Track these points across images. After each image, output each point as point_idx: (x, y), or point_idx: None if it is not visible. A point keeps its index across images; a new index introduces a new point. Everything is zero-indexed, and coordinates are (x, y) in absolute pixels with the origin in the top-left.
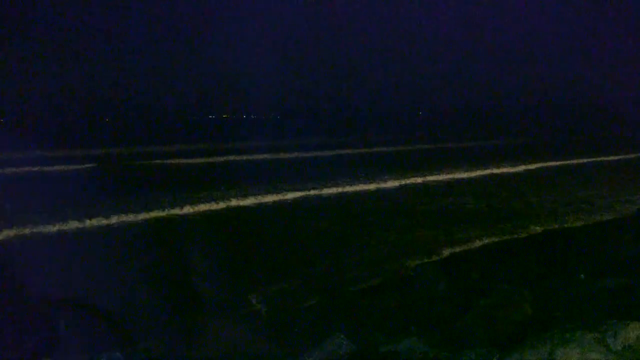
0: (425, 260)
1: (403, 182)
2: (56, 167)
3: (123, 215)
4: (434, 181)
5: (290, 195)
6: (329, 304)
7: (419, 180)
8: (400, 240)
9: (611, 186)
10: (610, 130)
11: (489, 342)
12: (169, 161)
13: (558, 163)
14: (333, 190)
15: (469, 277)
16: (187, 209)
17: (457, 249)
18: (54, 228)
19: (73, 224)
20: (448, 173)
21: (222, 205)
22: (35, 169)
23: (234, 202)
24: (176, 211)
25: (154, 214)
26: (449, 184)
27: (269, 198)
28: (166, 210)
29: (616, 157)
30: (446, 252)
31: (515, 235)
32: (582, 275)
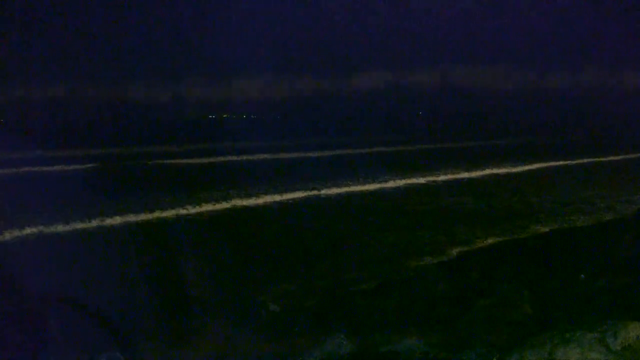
0: (425, 260)
1: (404, 182)
2: (57, 167)
3: (127, 215)
4: (434, 181)
5: (292, 196)
6: (330, 304)
7: (420, 180)
8: (400, 240)
9: (611, 186)
10: (611, 130)
11: (488, 342)
12: (170, 161)
13: (559, 163)
14: (334, 190)
15: (469, 277)
16: (193, 209)
17: (457, 250)
18: (58, 228)
19: (77, 225)
20: (448, 173)
21: (226, 205)
22: (36, 169)
23: (237, 203)
24: (182, 211)
25: (160, 214)
26: (449, 184)
27: (272, 198)
28: (172, 210)
29: (616, 157)
30: (446, 253)
31: (515, 236)
32: (582, 275)
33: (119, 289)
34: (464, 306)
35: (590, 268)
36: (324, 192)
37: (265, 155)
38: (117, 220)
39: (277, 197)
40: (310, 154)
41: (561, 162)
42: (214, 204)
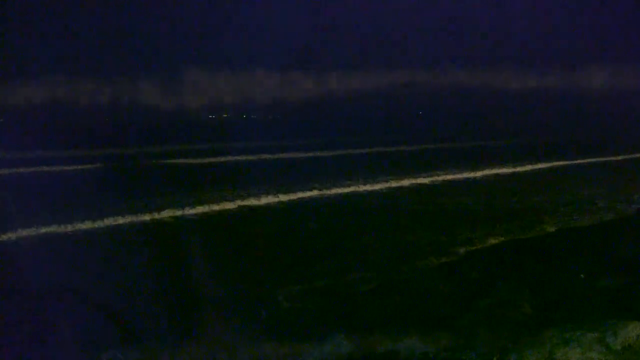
0: (426, 260)
1: (405, 182)
2: (71, 167)
3: (138, 215)
4: (434, 181)
5: (297, 195)
6: (331, 304)
7: (420, 180)
8: (402, 240)
9: (612, 186)
10: (612, 130)
11: (489, 342)
12: (174, 161)
13: (560, 163)
14: (337, 190)
15: (469, 277)
16: (202, 209)
17: (458, 250)
18: (67, 228)
19: (87, 224)
20: (449, 173)
21: (234, 205)
22: (43, 169)
23: (245, 202)
24: (191, 211)
25: (170, 213)
26: (451, 184)
27: (278, 198)
28: (181, 209)
29: (617, 158)
30: (447, 253)
31: (516, 236)
32: (582, 275)
33: (155, 286)
34: (464, 306)
35: (590, 268)
36: (327, 192)
37: (270, 155)
38: (131, 219)
39: (283, 197)
40: (314, 154)
41: (563, 162)
42: (227, 204)
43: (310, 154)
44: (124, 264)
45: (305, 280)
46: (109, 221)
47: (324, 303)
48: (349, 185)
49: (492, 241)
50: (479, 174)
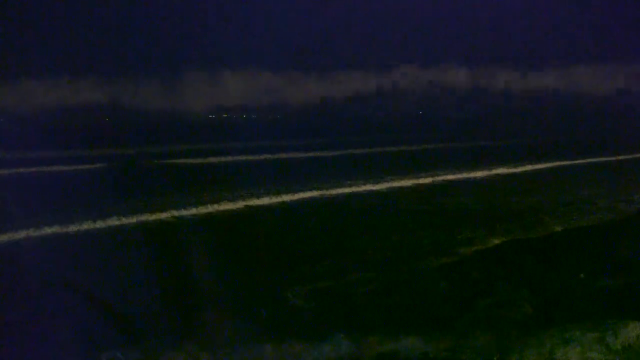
0: (427, 260)
1: (407, 182)
2: (72, 167)
3: (145, 215)
4: (435, 181)
5: (300, 196)
6: (333, 305)
7: (422, 181)
8: (404, 240)
9: (612, 186)
10: (612, 131)
11: (489, 342)
12: (177, 161)
13: (561, 163)
14: (341, 190)
15: (470, 277)
16: (211, 208)
17: (458, 250)
18: (71, 228)
19: (93, 224)
20: (449, 173)
21: (238, 205)
22: (48, 168)
23: (249, 202)
24: (196, 210)
25: (175, 213)
26: (453, 184)
27: (282, 198)
28: (192, 209)
29: (617, 158)
30: (448, 253)
31: (516, 236)
32: (582, 274)
33: (167, 285)
34: (464, 306)
35: (591, 268)
36: (331, 192)
37: (269, 156)
38: (137, 219)
39: (286, 197)
40: (314, 154)
41: (564, 162)
42: (234, 204)
43: (311, 154)
44: (132, 265)
45: (309, 280)
46: (112, 221)
47: (326, 303)
48: (350, 185)
49: (493, 241)
50: (479, 174)
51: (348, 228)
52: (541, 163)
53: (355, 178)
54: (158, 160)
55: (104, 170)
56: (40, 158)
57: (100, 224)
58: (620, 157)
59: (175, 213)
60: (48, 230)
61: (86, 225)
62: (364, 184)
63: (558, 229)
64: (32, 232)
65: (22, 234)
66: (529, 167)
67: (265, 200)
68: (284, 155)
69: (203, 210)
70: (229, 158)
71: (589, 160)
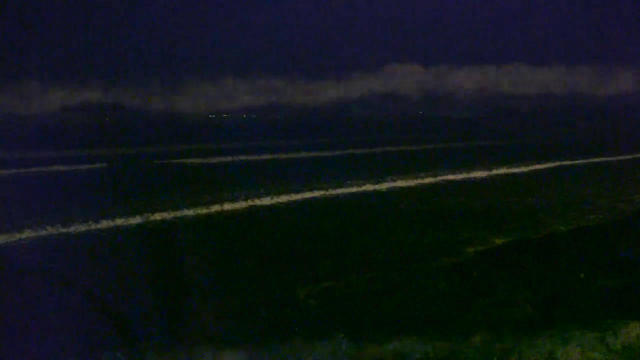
0: (427, 260)
1: (408, 182)
2: (72, 167)
3: (153, 214)
4: (434, 182)
5: (303, 195)
6: (333, 305)
7: (422, 181)
8: (403, 241)
9: (613, 186)
10: (612, 131)
11: (489, 342)
12: (179, 161)
13: (561, 163)
14: (344, 190)
15: (470, 277)
16: (215, 208)
17: (459, 250)
18: (81, 228)
19: (100, 224)
20: (450, 173)
21: (244, 204)
22: (50, 169)
23: (254, 202)
24: (201, 210)
25: (182, 213)
26: (452, 184)
27: (285, 198)
28: (195, 209)
29: (618, 158)
30: (449, 253)
31: (517, 236)
32: (582, 274)
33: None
34: (464, 306)
35: (591, 268)
36: (331, 192)
37: (271, 155)
38: (141, 219)
39: (291, 197)
40: (318, 154)
41: (565, 162)
42: (237, 204)
43: (312, 154)
44: (142, 265)
45: (312, 280)
46: (118, 221)
47: (330, 303)
48: (350, 185)
49: (493, 241)
50: (479, 174)
51: (349, 228)
52: (541, 163)
53: (356, 178)
54: (159, 160)
55: (106, 171)
56: (42, 158)
57: (106, 224)
58: (621, 157)
59: (179, 213)
60: (50, 230)
61: (90, 226)
62: (364, 184)
63: (558, 229)
64: (36, 232)
65: (25, 234)
66: (529, 167)
67: (268, 200)
68: (283, 156)
69: (206, 210)
70: (230, 158)
71: (589, 160)
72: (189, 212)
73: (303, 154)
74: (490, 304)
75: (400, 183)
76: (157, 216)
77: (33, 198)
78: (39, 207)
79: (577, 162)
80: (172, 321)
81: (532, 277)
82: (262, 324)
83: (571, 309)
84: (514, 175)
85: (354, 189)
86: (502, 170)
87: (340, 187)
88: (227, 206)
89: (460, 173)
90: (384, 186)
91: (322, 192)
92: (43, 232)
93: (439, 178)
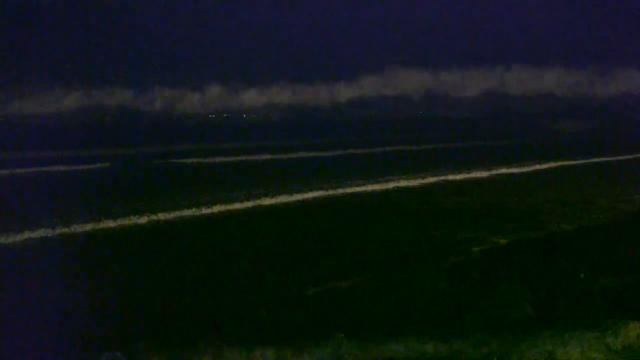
0: (428, 261)
1: (409, 182)
2: (72, 167)
3: (160, 214)
4: (434, 182)
5: (309, 195)
6: (333, 304)
7: (423, 181)
8: (404, 241)
9: (613, 186)
10: (613, 131)
11: (489, 342)
12: (182, 160)
13: (562, 163)
14: (348, 190)
15: (471, 277)
16: (216, 209)
17: (460, 249)
18: (88, 227)
19: (106, 223)
20: (450, 173)
21: (251, 204)
22: (60, 168)
23: (260, 202)
24: (208, 210)
25: (189, 212)
26: (452, 184)
27: (286, 198)
28: (202, 208)
29: (618, 158)
30: (449, 253)
31: (517, 236)
32: (582, 274)
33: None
34: (465, 306)
35: (591, 268)
36: (334, 192)
37: (273, 156)
38: (148, 219)
39: (297, 196)
40: (319, 154)
41: (566, 162)
42: (242, 204)
43: (313, 154)
44: (150, 264)
45: (312, 281)
46: (131, 220)
47: (326, 304)
48: (350, 186)
49: (493, 241)
50: (479, 174)
51: (351, 228)
52: (541, 163)
53: (356, 178)
54: (160, 160)
55: (107, 170)
56: (45, 158)
57: (122, 222)
58: (621, 157)
59: (180, 213)
60: (62, 230)
61: (104, 224)
62: (365, 184)
63: (558, 229)
64: (45, 233)
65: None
66: (529, 167)
67: (276, 199)
68: (283, 156)
69: (207, 210)
70: (230, 158)
71: (589, 160)
72: (190, 213)
73: (303, 154)
74: (491, 304)
75: (401, 183)
76: (161, 216)
77: (40, 197)
78: (46, 206)
79: (577, 162)
80: (171, 321)
81: (533, 277)
82: (263, 324)
83: (571, 309)
84: (514, 175)
85: (354, 189)
86: (503, 170)
87: (341, 187)
88: (228, 207)
89: (461, 173)
90: (384, 186)
91: (322, 192)
92: (49, 231)
93: (440, 178)
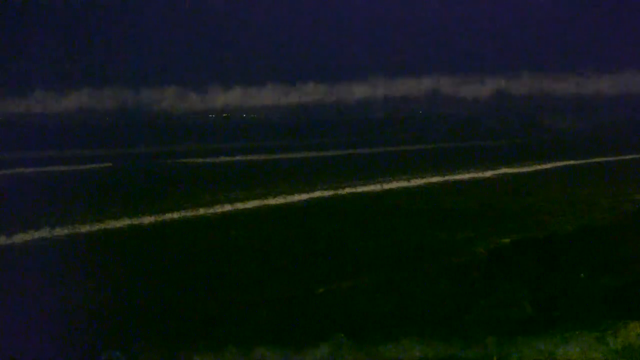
0: (428, 260)
1: (411, 182)
2: (71, 167)
3: (164, 214)
4: (435, 182)
5: (315, 195)
6: (334, 304)
7: (423, 181)
8: (404, 241)
9: (613, 186)
10: (612, 131)
11: (489, 342)
12: (186, 160)
13: (563, 163)
14: (352, 190)
15: (471, 277)
16: (226, 207)
17: (460, 249)
18: (89, 227)
19: (107, 223)
20: (451, 173)
21: (255, 204)
22: (62, 168)
23: (267, 202)
24: (218, 209)
25: (195, 212)
26: (453, 184)
27: (286, 198)
28: (209, 208)
29: (618, 158)
30: (449, 253)
31: (518, 236)
32: (582, 274)
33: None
34: (465, 306)
35: (591, 267)
36: (334, 192)
37: (274, 156)
38: (154, 219)
39: (303, 196)
40: (319, 154)
41: (566, 162)
42: (244, 204)
43: (313, 154)
44: (159, 260)
45: (313, 281)
46: (133, 220)
47: (326, 304)
48: (350, 186)
49: (494, 241)
50: (480, 174)
51: (352, 228)
52: (543, 163)
53: (356, 178)
54: (160, 160)
55: (112, 170)
56: (48, 157)
57: (124, 221)
58: (621, 157)
59: (182, 213)
60: (63, 230)
61: (105, 224)
62: (365, 184)
63: (559, 229)
64: (49, 233)
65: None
66: (529, 167)
67: (281, 199)
68: (284, 156)
69: (209, 210)
70: (233, 158)
71: (589, 160)
72: (190, 213)
73: (303, 154)
74: (491, 304)
75: (402, 183)
76: (163, 216)
77: (40, 197)
78: (46, 206)
79: (577, 162)
80: (170, 321)
81: (533, 277)
82: (263, 324)
83: (571, 309)
84: (514, 175)
85: (354, 189)
86: (503, 170)
87: (341, 187)
88: (227, 207)
89: (461, 173)
90: (385, 186)
91: (323, 193)
92: (55, 231)
93: (440, 178)
